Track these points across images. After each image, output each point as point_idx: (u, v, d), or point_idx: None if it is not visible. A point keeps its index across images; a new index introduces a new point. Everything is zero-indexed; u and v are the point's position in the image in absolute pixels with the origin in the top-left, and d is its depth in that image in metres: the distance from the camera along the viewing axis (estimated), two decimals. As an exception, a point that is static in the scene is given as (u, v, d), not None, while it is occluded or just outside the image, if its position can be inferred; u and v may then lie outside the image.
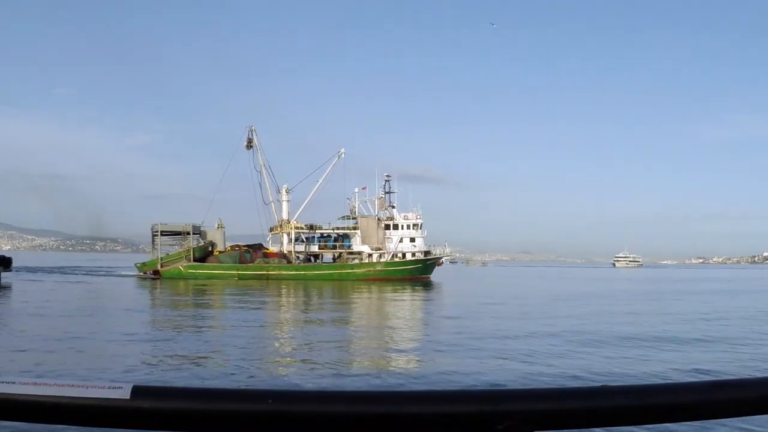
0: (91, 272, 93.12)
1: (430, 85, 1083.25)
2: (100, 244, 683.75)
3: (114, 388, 1.28)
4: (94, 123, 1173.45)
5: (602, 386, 1.39)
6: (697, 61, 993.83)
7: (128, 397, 1.26)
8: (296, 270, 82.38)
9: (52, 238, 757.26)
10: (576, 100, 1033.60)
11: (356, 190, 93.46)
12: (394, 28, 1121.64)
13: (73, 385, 1.26)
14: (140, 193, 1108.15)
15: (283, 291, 61.31)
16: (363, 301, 53.57)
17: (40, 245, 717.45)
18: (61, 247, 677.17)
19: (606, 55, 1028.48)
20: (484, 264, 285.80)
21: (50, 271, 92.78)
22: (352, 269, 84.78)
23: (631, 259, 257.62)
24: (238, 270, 78.30)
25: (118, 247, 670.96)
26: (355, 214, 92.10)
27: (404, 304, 51.62)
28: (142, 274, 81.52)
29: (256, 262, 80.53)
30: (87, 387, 1.27)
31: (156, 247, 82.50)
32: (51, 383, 1.27)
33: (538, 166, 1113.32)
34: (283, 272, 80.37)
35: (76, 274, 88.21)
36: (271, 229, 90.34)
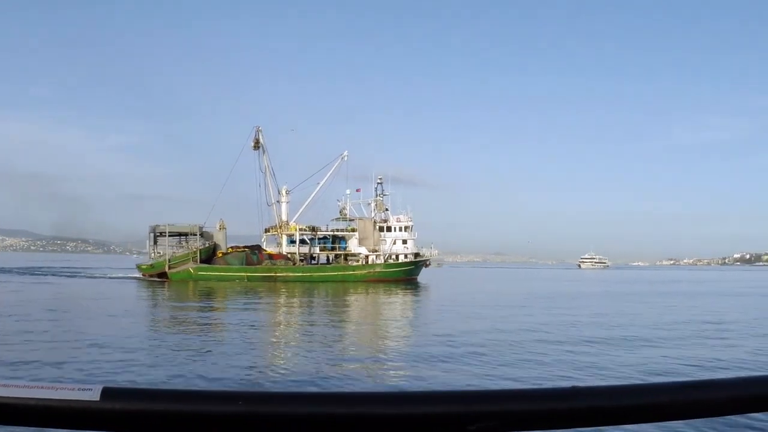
0: (72, 274, 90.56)
1: (401, 86, 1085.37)
2: (71, 244, 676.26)
3: (83, 389, 1.25)
4: (71, 123, 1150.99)
5: (573, 387, 1.40)
6: (670, 63, 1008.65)
7: (98, 398, 1.25)
8: (302, 272, 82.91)
9: (23, 239, 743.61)
10: (549, 102, 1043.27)
11: (347, 191, 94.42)
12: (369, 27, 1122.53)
13: (42, 387, 1.25)
14: (115, 193, 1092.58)
15: (300, 293, 61.98)
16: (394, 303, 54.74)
17: (10, 245, 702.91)
18: (32, 247, 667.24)
19: (579, 57, 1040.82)
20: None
21: (44, 272, 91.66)
22: (353, 271, 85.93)
23: (597, 260, 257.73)
24: (246, 272, 78.41)
25: (89, 248, 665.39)
26: (346, 215, 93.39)
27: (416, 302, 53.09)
28: (142, 275, 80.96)
29: (263, 264, 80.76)
30: (56, 389, 1.25)
31: (156, 248, 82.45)
32: (20, 385, 1.25)
33: (512, 168, 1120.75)
34: (290, 274, 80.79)
35: (57, 276, 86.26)
36: (267, 230, 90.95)
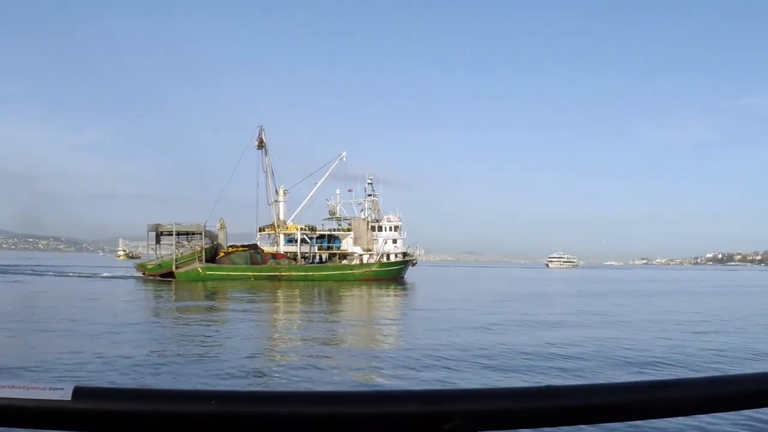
0: (64, 273, 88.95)
1: (376, 86, 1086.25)
2: (43, 242, 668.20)
3: (55, 389, 1.24)
4: (41, 120, 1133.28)
5: (547, 386, 1.41)
6: (640, 64, 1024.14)
7: (69, 398, 1.23)
8: (305, 271, 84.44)
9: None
10: (522, 103, 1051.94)
11: (337, 191, 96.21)
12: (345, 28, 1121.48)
13: (13, 386, 1.23)
14: (85, 192, 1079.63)
15: (309, 292, 64.02)
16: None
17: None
18: (3, 245, 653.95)
19: (551, 59, 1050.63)
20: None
21: (42, 272, 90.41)
22: (351, 270, 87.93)
23: (566, 260, 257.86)
24: (253, 271, 79.28)
25: (61, 246, 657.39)
26: (336, 215, 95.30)
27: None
28: (142, 275, 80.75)
29: (268, 263, 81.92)
30: (27, 388, 1.23)
31: (160, 247, 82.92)
32: None
33: (487, 168, 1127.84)
34: (293, 273, 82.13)
35: (49, 276, 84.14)
36: (261, 229, 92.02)
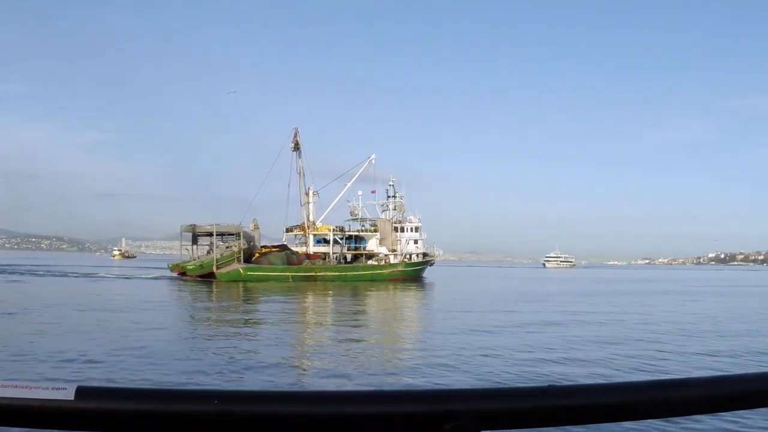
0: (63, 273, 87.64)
1: (373, 85, 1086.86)
2: (46, 242, 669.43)
3: (58, 388, 1.24)
4: (43, 120, 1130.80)
5: (549, 386, 1.41)
6: (641, 63, 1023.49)
7: (72, 398, 1.23)
8: (338, 271, 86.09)
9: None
10: (523, 101, 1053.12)
11: (360, 192, 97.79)
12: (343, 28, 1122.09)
13: (15, 386, 1.23)
14: (87, 192, 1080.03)
15: (348, 291, 66.10)
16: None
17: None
18: (6, 245, 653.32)
19: (550, 57, 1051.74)
20: None
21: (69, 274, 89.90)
22: (381, 270, 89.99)
23: (563, 259, 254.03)
24: (291, 272, 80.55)
25: (63, 245, 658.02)
26: (357, 216, 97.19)
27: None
28: (177, 275, 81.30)
29: (304, 264, 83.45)
30: (30, 388, 1.23)
31: (197, 248, 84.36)
32: None
33: (489, 167, 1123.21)
34: (328, 273, 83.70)
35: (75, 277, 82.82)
36: (289, 230, 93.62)
